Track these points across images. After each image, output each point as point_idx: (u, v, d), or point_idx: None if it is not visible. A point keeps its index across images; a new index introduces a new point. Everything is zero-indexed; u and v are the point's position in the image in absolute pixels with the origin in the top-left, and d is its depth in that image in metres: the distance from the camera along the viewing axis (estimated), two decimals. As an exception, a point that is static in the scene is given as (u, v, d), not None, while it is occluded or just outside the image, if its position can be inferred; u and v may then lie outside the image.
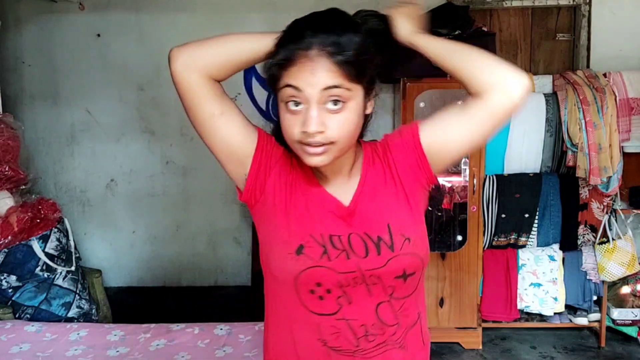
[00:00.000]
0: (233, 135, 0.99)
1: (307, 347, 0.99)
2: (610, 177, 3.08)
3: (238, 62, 0.98)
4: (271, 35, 0.96)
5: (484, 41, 3.12)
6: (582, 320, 3.30)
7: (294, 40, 0.90)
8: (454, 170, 3.14)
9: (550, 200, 3.20)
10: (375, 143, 1.07)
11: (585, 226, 3.24)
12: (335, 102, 0.90)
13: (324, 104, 0.90)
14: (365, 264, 0.95)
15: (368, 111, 0.98)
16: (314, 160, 0.92)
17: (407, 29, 0.99)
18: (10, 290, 2.78)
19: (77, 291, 2.96)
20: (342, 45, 0.88)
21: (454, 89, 3.09)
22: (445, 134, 0.99)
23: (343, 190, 1.00)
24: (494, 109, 0.96)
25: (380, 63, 0.96)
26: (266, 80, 0.95)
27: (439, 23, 3.17)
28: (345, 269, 0.94)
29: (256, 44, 0.97)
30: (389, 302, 0.97)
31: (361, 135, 1.02)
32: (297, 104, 0.90)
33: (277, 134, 1.02)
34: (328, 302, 0.96)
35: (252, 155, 1.00)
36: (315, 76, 0.88)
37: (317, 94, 0.88)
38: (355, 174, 1.01)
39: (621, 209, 3.23)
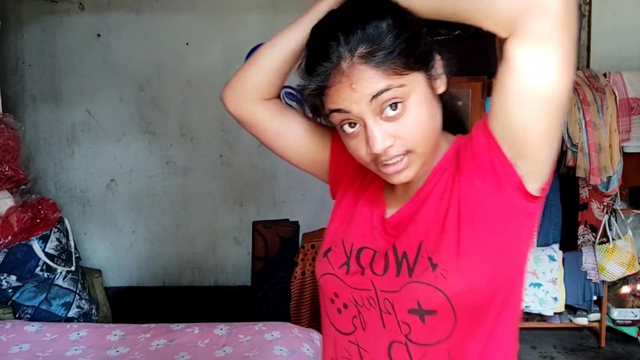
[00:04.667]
0: (304, 147, 0.95)
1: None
2: (610, 177, 3.08)
3: (279, 70, 0.89)
4: (301, 21, 0.85)
5: (484, 41, 3.12)
6: (582, 320, 3.30)
7: (321, 58, 0.74)
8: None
9: (550, 200, 3.20)
10: (465, 138, 0.84)
11: (585, 226, 3.24)
12: (393, 105, 0.74)
13: (381, 114, 0.74)
14: (380, 283, 0.80)
15: (440, 90, 0.80)
16: (398, 179, 0.78)
17: None
18: (10, 290, 2.78)
19: (77, 291, 2.96)
20: (372, 40, 0.71)
21: (454, 89, 3.09)
22: (511, 106, 0.72)
23: (397, 199, 0.85)
24: (537, 38, 0.66)
25: (425, 28, 0.79)
26: (310, 111, 0.84)
27: (439, 23, 3.17)
28: (359, 285, 0.82)
29: (290, 41, 0.87)
30: (404, 345, 0.78)
31: (453, 120, 0.87)
32: (352, 125, 0.76)
33: None
34: (345, 319, 0.85)
35: (329, 161, 0.96)
36: (357, 91, 0.72)
37: (366, 108, 0.73)
38: (422, 177, 0.82)
39: (621, 209, 3.23)
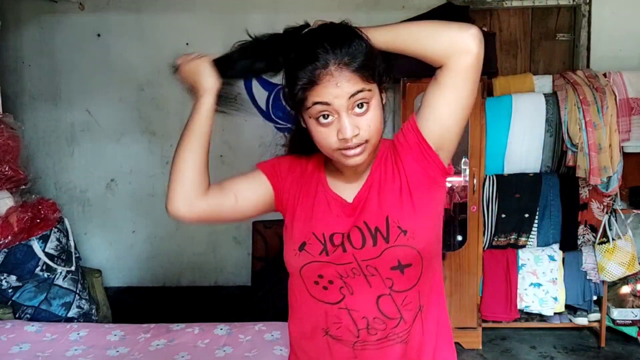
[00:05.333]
0: (256, 200, 1.11)
1: (311, 337, 1.07)
2: (610, 177, 3.08)
3: (199, 166, 1.05)
4: (191, 127, 1.07)
5: (484, 41, 3.12)
6: (582, 320, 3.30)
7: (310, 61, 0.94)
8: (454, 170, 3.14)
9: (550, 200, 3.20)
10: (390, 141, 1.11)
11: (585, 226, 3.24)
12: (360, 105, 0.96)
13: (352, 110, 0.96)
14: (361, 254, 1.01)
15: (384, 101, 1.04)
16: (354, 161, 0.99)
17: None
18: (10, 290, 2.78)
19: (77, 291, 2.96)
20: (353, 53, 0.95)
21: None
22: (434, 114, 1.02)
23: (351, 186, 1.08)
24: (463, 70, 0.98)
25: (381, 56, 1.01)
26: (289, 104, 1.01)
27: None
28: (342, 260, 1.01)
29: (199, 145, 1.06)
30: (389, 296, 1.02)
31: None
32: (326, 116, 0.97)
33: (294, 143, 1.13)
34: (332, 292, 1.03)
35: (273, 192, 1.12)
36: (340, 88, 0.94)
37: (345, 103, 0.95)
38: (366, 172, 1.07)
39: (621, 209, 3.23)
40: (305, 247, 1.03)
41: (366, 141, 0.98)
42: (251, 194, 1.11)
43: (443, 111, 1.01)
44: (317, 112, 0.96)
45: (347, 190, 1.07)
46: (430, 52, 0.98)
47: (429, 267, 1.04)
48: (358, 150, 0.98)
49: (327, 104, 0.95)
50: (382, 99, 1.02)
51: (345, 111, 0.96)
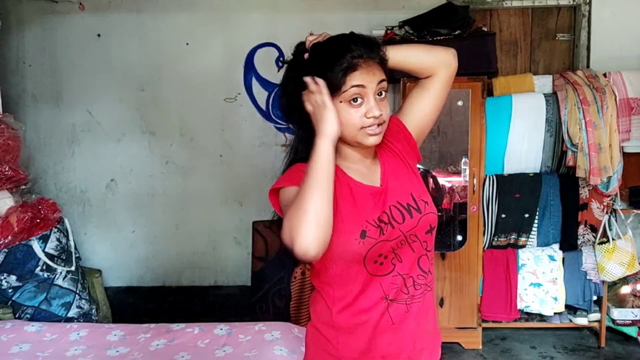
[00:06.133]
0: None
1: (372, 307, 1.22)
2: (610, 177, 3.08)
3: (330, 208, 1.11)
4: (321, 176, 1.11)
5: (484, 41, 3.13)
6: (582, 320, 3.30)
7: (348, 51, 1.16)
8: (454, 170, 3.14)
9: (550, 200, 3.20)
10: None
11: (585, 226, 3.24)
12: (380, 92, 1.20)
13: (376, 95, 1.19)
14: (405, 227, 1.22)
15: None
16: (374, 139, 1.21)
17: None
18: (10, 290, 2.79)
19: (77, 291, 2.96)
20: (377, 51, 1.19)
21: (453, 89, 3.09)
22: (421, 113, 1.34)
23: (372, 175, 1.29)
24: (445, 79, 1.33)
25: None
26: (328, 85, 1.15)
27: (439, 23, 3.17)
28: (394, 236, 1.21)
29: (329, 191, 1.11)
30: (425, 255, 1.26)
31: None
32: (356, 100, 1.17)
33: (302, 149, 1.24)
34: (385, 266, 1.22)
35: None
36: (374, 74, 1.18)
37: (374, 87, 1.18)
38: (376, 160, 1.31)
39: (621, 209, 3.23)
40: (367, 234, 1.18)
41: (384, 122, 1.21)
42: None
43: (426, 111, 1.35)
44: (352, 94, 1.17)
45: (370, 178, 1.27)
46: (428, 67, 1.31)
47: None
48: (378, 129, 1.20)
49: (363, 86, 1.16)
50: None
51: (373, 95, 1.18)
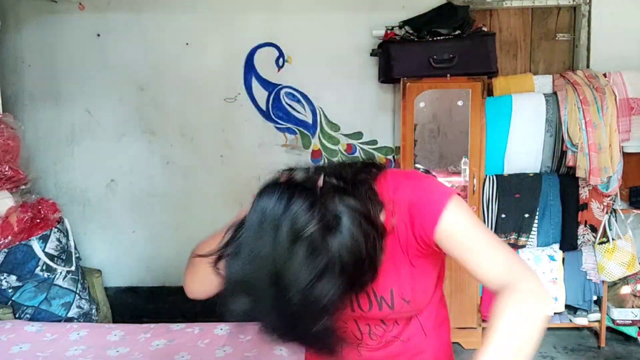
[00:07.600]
0: None
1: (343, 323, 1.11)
2: (610, 177, 3.08)
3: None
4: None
5: (484, 41, 3.13)
6: (582, 320, 3.30)
7: None
8: (454, 170, 3.14)
9: (550, 200, 3.20)
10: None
11: (585, 226, 3.24)
12: None
13: None
14: (367, 314, 1.08)
15: None
16: None
17: None
18: (10, 290, 2.78)
19: (77, 291, 2.96)
20: None
21: (453, 89, 3.10)
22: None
23: None
24: None
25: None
26: None
27: (439, 23, 3.17)
28: (356, 315, 1.09)
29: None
30: (396, 323, 1.12)
31: None
32: None
33: None
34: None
35: None
36: None
37: None
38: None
39: (621, 209, 3.23)
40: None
41: None
42: None
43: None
44: None
45: None
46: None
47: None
48: None
49: None
50: None
51: None
